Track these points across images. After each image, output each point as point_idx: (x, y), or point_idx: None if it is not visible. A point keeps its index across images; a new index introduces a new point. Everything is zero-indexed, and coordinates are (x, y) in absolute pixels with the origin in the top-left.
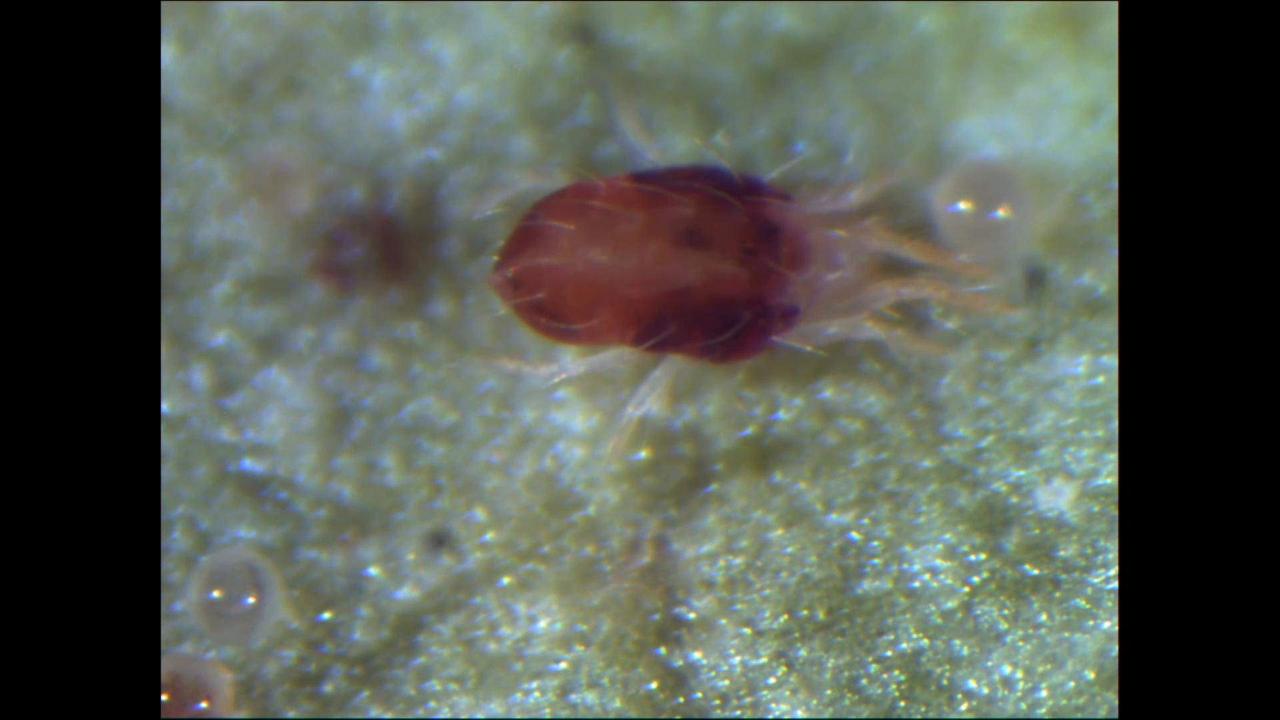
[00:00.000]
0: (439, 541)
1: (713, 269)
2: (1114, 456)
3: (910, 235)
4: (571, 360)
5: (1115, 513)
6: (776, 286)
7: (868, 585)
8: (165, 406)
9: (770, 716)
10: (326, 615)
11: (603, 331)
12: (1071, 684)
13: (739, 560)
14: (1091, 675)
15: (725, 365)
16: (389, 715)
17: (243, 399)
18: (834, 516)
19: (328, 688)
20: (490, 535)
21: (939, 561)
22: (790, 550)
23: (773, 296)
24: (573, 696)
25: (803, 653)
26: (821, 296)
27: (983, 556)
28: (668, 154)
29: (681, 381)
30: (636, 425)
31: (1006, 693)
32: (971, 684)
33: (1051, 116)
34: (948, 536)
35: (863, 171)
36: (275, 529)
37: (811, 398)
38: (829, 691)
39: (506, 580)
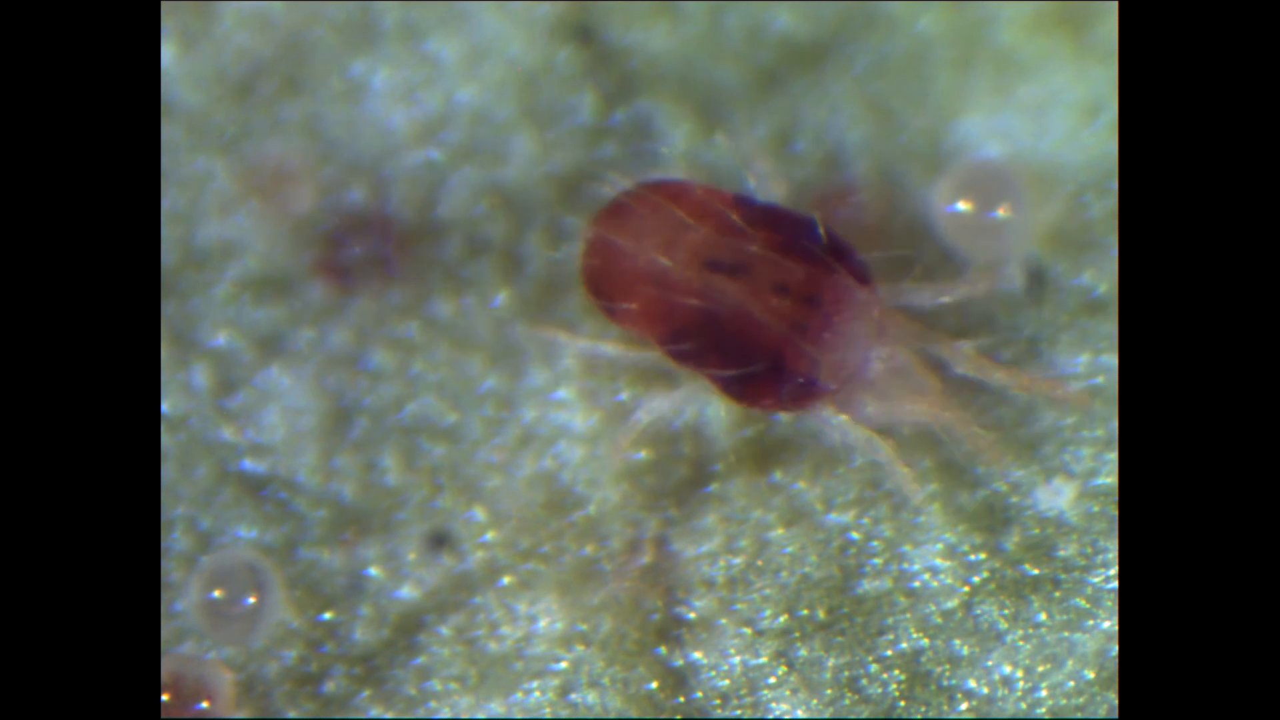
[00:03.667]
0: (439, 541)
1: (741, 305)
2: (1114, 456)
3: (1006, 365)
4: (608, 347)
5: (1115, 512)
6: (797, 352)
7: (868, 585)
8: (165, 406)
9: (770, 716)
10: (327, 615)
11: (636, 317)
12: (1071, 684)
13: (739, 560)
14: (1091, 675)
15: (742, 405)
16: (389, 715)
17: (243, 399)
18: (834, 516)
19: (329, 687)
20: (490, 535)
21: (939, 561)
22: (790, 550)
23: (792, 360)
24: (573, 696)
25: (803, 652)
26: (849, 389)
27: (983, 556)
28: (669, 153)
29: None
30: (640, 431)
31: (1006, 692)
32: (971, 684)
33: (1051, 116)
34: (948, 536)
35: (958, 278)
36: (276, 529)
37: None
38: (829, 691)
39: (507, 580)
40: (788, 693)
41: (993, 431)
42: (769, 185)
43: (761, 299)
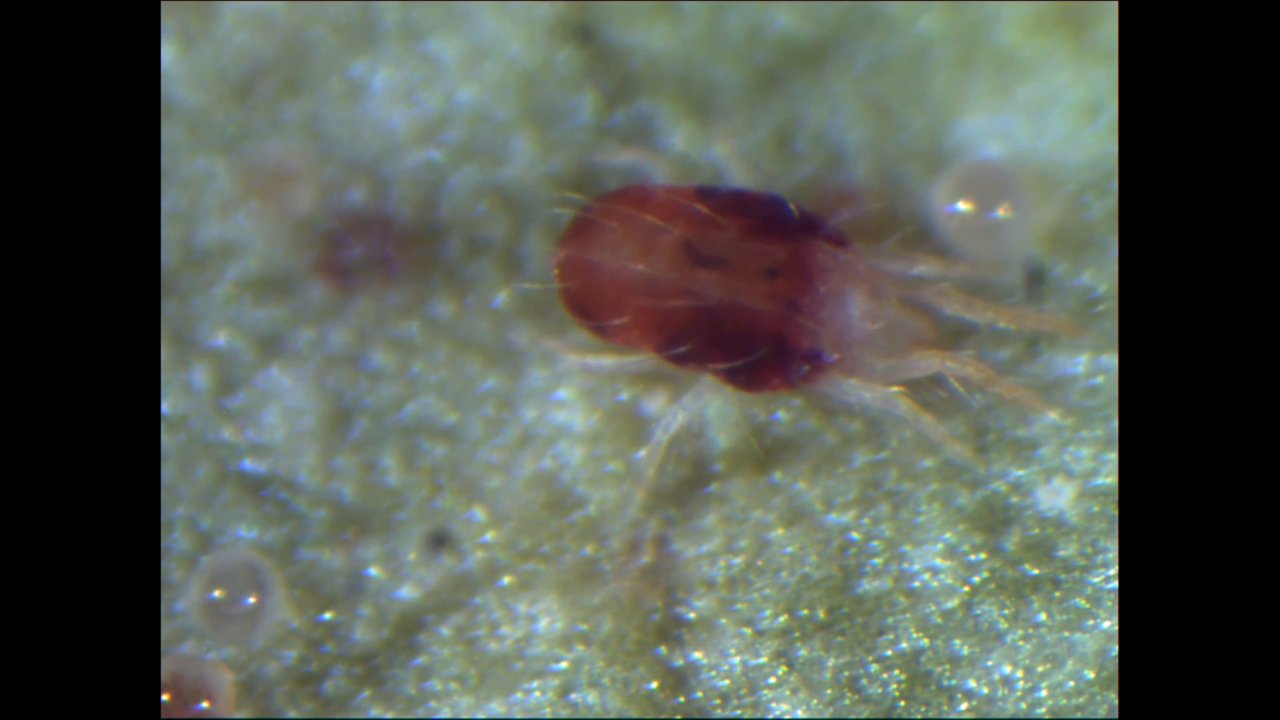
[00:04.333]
0: (439, 541)
1: (732, 296)
2: (1114, 456)
3: (988, 301)
4: (607, 359)
5: (1115, 512)
6: (797, 329)
7: (868, 585)
8: (165, 406)
9: (770, 716)
10: (327, 615)
11: (628, 331)
12: (1071, 684)
13: (739, 560)
14: (1091, 675)
15: (750, 394)
16: (389, 715)
17: (243, 399)
18: (834, 516)
19: (328, 687)
20: (490, 535)
21: (939, 561)
22: (790, 550)
23: (793, 338)
24: (573, 696)
25: (803, 652)
26: (854, 353)
27: (983, 556)
28: (666, 154)
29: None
30: (665, 448)
31: (1006, 692)
32: (971, 684)
33: (1051, 116)
34: (948, 536)
35: (939, 247)
36: (276, 529)
37: (812, 397)
38: (829, 691)
39: (507, 580)
40: (788, 693)
41: (992, 432)
42: (731, 169)
43: (750, 285)
